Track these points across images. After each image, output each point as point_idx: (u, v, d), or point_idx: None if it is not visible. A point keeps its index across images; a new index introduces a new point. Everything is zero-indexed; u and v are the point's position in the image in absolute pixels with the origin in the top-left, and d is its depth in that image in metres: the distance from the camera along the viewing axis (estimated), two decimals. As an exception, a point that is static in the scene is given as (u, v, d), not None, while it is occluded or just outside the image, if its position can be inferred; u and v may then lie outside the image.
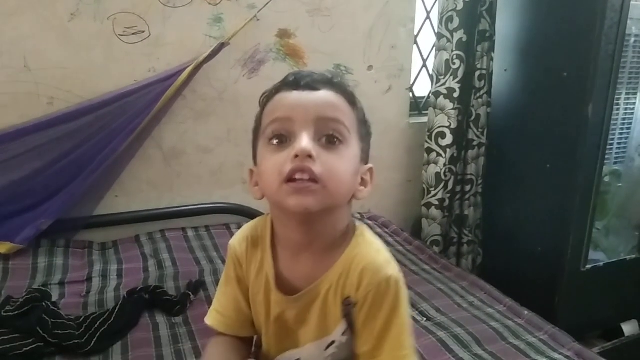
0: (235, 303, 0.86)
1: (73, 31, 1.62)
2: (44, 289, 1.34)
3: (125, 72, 1.69)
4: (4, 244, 1.56)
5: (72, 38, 1.62)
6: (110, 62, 1.68)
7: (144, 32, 1.69)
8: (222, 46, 1.73)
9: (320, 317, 0.78)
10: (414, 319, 1.33)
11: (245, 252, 0.85)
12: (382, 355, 0.75)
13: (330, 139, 0.72)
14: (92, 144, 1.65)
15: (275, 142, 0.73)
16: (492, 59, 2.07)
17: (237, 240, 0.87)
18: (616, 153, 2.02)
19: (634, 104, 1.98)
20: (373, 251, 0.77)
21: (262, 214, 0.87)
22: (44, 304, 1.23)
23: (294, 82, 0.75)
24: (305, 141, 0.70)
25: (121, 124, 1.66)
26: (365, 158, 0.80)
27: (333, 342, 0.79)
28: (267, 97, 0.78)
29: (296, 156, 0.69)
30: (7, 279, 1.48)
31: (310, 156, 0.69)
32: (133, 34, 1.68)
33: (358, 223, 0.82)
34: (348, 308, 0.76)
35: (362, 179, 0.78)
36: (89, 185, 1.67)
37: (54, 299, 1.33)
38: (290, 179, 0.69)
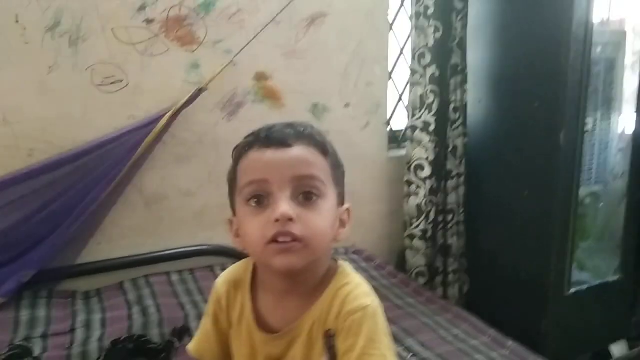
0: (206, 335, 0.93)
1: (52, 84, 1.64)
2: (25, 344, 1.32)
3: (104, 121, 1.71)
4: (-14, 298, 1.55)
5: (51, 90, 1.65)
6: (89, 112, 1.70)
7: (122, 81, 1.72)
8: (200, 91, 1.77)
9: (304, 353, 0.81)
10: (400, 355, 1.33)
11: (226, 294, 0.89)
12: None
13: (307, 196, 0.76)
14: (73, 193, 1.65)
15: (253, 203, 0.76)
16: (465, 91, 2.12)
17: (221, 282, 0.91)
18: (596, 174, 2.06)
19: (609, 125, 2.04)
20: (353, 285, 0.81)
21: (245, 255, 0.89)
22: (25, 360, 1.22)
23: (266, 140, 0.77)
24: (284, 206, 0.73)
25: (102, 172, 1.67)
26: (341, 200, 0.83)
27: None
28: (239, 153, 0.81)
29: (277, 220, 0.72)
30: (-11, 333, 1.47)
31: (290, 219, 0.73)
32: (111, 83, 1.71)
33: (340, 261, 0.86)
34: (330, 340, 0.78)
35: (341, 219, 0.82)
36: (72, 234, 1.67)
37: (36, 353, 1.32)
38: (273, 240, 0.73)
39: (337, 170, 0.82)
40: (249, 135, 0.81)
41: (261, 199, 0.76)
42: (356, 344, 0.75)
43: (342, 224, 0.82)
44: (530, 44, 1.91)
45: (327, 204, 0.78)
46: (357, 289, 0.80)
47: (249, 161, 0.78)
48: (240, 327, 0.87)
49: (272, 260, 0.75)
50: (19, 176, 1.61)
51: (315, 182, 0.76)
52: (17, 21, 1.56)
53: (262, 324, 0.84)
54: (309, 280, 0.81)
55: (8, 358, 1.20)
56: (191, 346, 0.96)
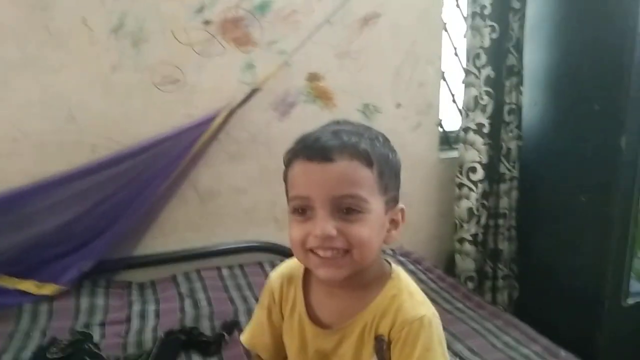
0: (260, 327, 0.96)
1: (114, 82, 1.71)
2: (86, 331, 1.39)
3: (163, 119, 1.77)
4: (49, 286, 1.63)
5: (114, 89, 1.72)
6: (149, 110, 1.76)
7: (179, 80, 1.78)
8: (254, 91, 1.80)
9: (354, 352, 0.82)
10: None
11: (280, 288, 0.92)
12: None
13: (349, 211, 0.76)
14: (132, 187, 1.72)
15: (297, 214, 0.78)
16: (521, 93, 2.08)
17: (275, 275, 0.94)
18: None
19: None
20: (407, 293, 0.82)
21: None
22: (86, 346, 1.28)
23: (311, 151, 0.77)
24: (322, 223, 0.74)
25: (159, 168, 1.73)
26: (394, 203, 0.82)
27: None
28: (289, 159, 0.81)
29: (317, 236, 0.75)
30: (51, 319, 1.55)
31: (330, 236, 0.74)
32: (170, 82, 1.77)
33: (394, 265, 0.86)
34: (380, 344, 0.80)
35: (393, 220, 0.82)
36: (129, 227, 1.75)
37: (95, 339, 1.38)
38: (313, 251, 0.76)
39: (385, 177, 0.79)
40: (298, 141, 0.81)
41: (304, 211, 0.77)
42: (412, 354, 0.76)
43: (395, 225, 0.82)
44: (591, 44, 1.84)
45: (371, 217, 0.77)
46: (412, 297, 0.81)
47: (295, 173, 0.79)
48: (292, 321, 0.89)
49: (315, 270, 0.79)
50: (83, 171, 1.68)
51: (357, 200, 0.75)
52: (84, 23, 1.64)
53: (314, 318, 0.86)
54: (360, 279, 0.82)
55: (70, 344, 1.27)
56: (244, 337, 0.99)
